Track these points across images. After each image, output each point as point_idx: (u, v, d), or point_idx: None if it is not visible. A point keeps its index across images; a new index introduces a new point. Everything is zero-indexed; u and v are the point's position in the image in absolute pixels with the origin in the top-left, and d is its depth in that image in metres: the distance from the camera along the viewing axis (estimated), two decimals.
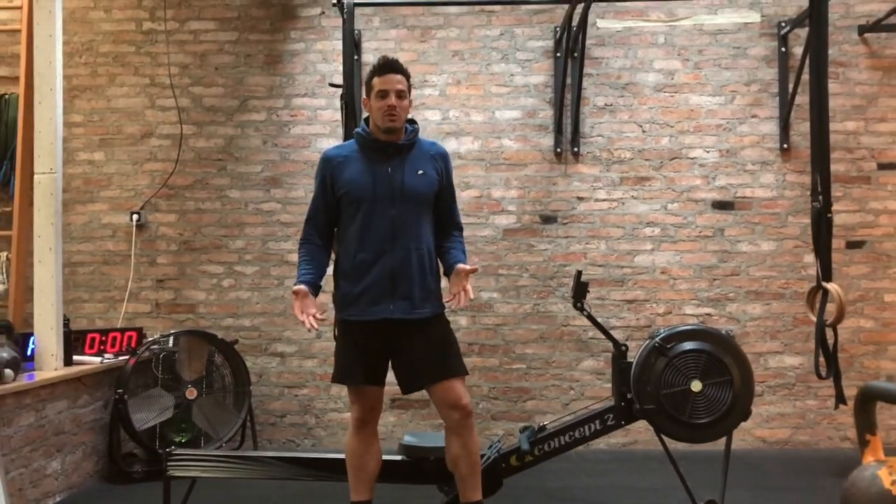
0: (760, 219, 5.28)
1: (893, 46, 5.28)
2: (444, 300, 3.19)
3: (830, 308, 4.26)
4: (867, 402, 2.25)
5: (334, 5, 4.66)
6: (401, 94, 3.16)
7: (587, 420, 3.59)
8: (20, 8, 5.29)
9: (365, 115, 3.29)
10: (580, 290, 3.52)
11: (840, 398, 4.40)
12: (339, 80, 4.90)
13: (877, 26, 5.16)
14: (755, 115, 5.32)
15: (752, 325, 5.24)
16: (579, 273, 3.58)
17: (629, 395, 3.54)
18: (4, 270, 5.17)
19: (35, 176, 4.30)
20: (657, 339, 3.52)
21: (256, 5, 5.48)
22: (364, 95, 3.25)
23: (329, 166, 3.25)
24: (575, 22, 5.02)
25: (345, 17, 4.58)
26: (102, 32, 5.52)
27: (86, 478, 4.39)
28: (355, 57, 5.26)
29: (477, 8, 5.39)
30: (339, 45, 5.20)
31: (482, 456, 3.43)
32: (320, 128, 5.43)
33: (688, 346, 3.49)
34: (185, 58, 5.50)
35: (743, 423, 5.16)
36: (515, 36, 5.40)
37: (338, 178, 3.21)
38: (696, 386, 3.45)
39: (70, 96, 5.41)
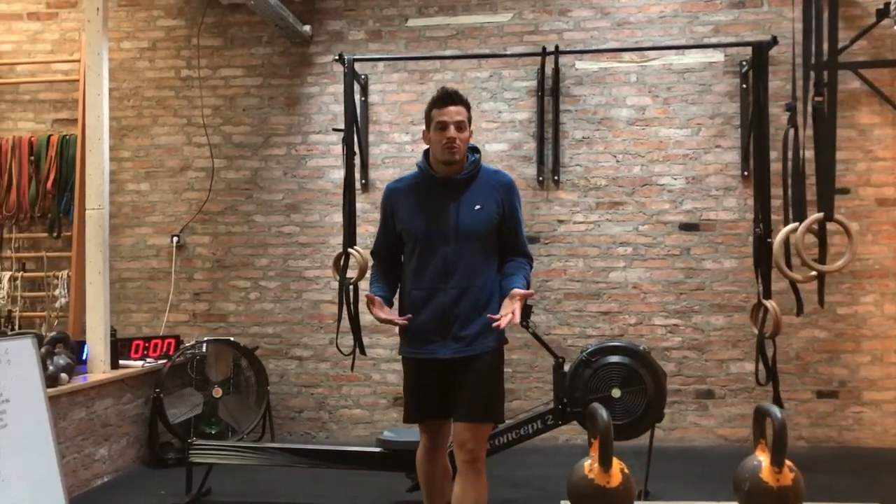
0: (723, 239, 5.82)
1: (846, 82, 5.72)
2: (493, 322, 2.93)
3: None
4: None
5: (336, 61, 5.38)
6: (460, 126, 3.04)
7: (531, 420, 4.25)
8: (79, 61, 6.17)
9: (425, 147, 3.21)
10: (525, 312, 4.15)
11: (777, 401, 4.95)
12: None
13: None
14: (719, 146, 5.86)
15: (715, 334, 5.79)
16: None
17: (565, 400, 4.19)
18: (66, 286, 6.07)
19: (86, 211, 5.15)
20: (585, 353, 4.16)
21: (278, 54, 6.25)
22: (424, 128, 3.16)
23: (390, 200, 3.19)
24: (554, 65, 5.65)
25: (346, 70, 5.29)
26: (147, 79, 6.35)
27: (129, 463, 5.24)
28: (362, 98, 6.03)
29: None
30: None
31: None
32: (332, 160, 6.16)
33: (610, 359, 4.12)
34: (217, 100, 6.30)
35: (707, 423, 5.81)
36: (503, 77, 6.04)
37: (397, 213, 3.16)
38: (616, 393, 4.08)
39: (120, 135, 6.28)
